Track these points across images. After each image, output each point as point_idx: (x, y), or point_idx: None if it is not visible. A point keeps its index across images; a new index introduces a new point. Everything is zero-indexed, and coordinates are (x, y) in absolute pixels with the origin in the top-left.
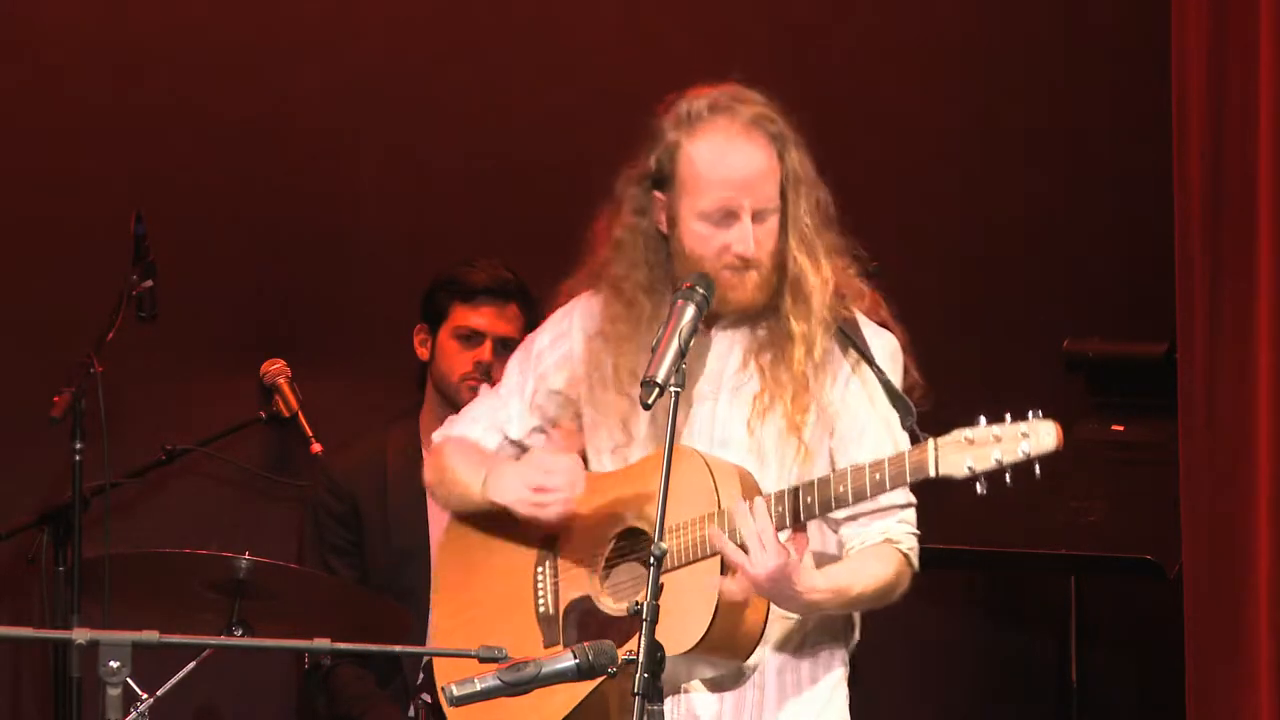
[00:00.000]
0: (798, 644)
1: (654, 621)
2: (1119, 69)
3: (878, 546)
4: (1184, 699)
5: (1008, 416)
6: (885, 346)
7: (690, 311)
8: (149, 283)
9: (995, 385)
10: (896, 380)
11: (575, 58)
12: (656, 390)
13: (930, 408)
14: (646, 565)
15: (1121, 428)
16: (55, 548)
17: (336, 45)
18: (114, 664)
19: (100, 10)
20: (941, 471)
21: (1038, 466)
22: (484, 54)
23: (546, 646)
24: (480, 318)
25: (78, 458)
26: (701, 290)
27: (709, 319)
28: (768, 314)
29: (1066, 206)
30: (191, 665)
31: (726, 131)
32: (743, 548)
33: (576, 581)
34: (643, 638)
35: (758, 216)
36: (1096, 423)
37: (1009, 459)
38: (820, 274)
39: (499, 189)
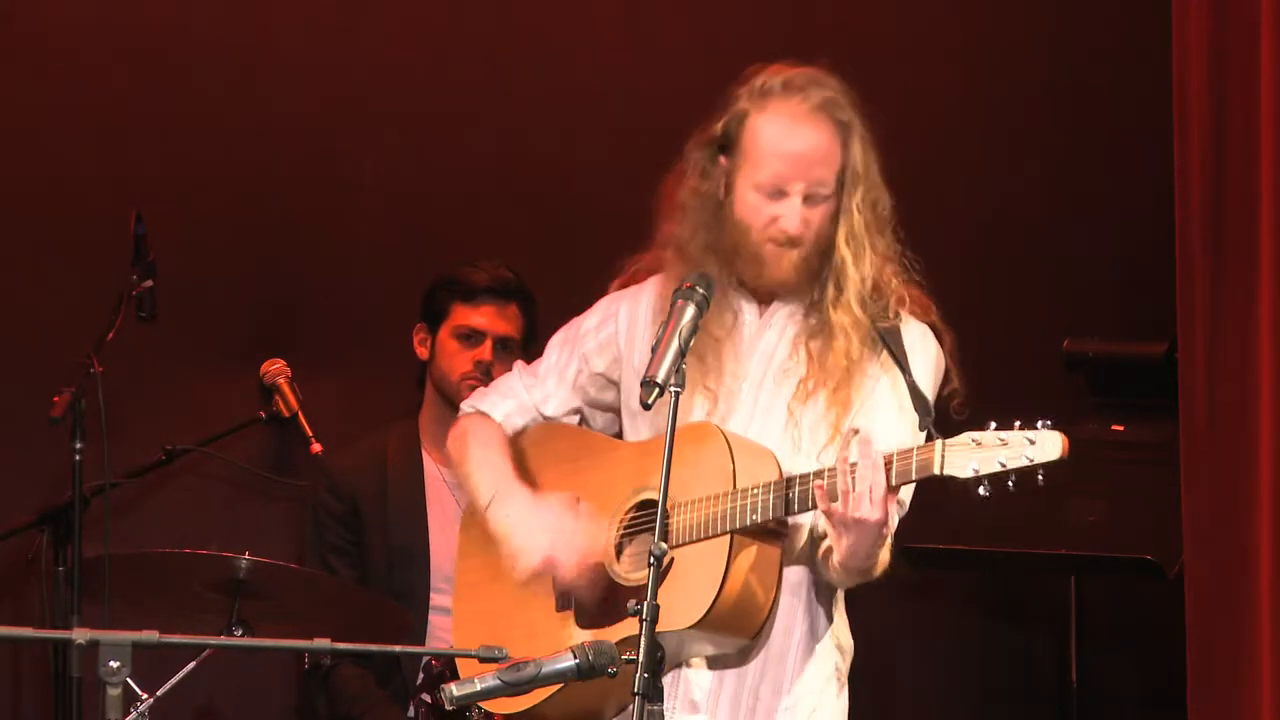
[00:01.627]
0: (795, 634)
1: (654, 621)
2: (1119, 69)
3: None
4: (1184, 699)
5: (1017, 424)
6: (924, 345)
7: (690, 311)
8: (149, 283)
9: (995, 385)
10: (932, 381)
11: (575, 58)
12: (656, 390)
13: (965, 416)
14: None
15: (1121, 428)
16: (55, 548)
17: (337, 45)
18: (114, 664)
19: (101, 11)
20: (946, 471)
21: (1041, 475)
22: (484, 54)
23: (559, 610)
24: (481, 317)
25: (78, 458)
26: (702, 290)
27: (761, 299)
28: (818, 302)
29: (1067, 206)
30: (191, 665)
31: (794, 111)
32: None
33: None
34: (643, 638)
35: (809, 199)
36: (1096, 423)
37: (1013, 464)
38: (860, 270)
39: (499, 189)
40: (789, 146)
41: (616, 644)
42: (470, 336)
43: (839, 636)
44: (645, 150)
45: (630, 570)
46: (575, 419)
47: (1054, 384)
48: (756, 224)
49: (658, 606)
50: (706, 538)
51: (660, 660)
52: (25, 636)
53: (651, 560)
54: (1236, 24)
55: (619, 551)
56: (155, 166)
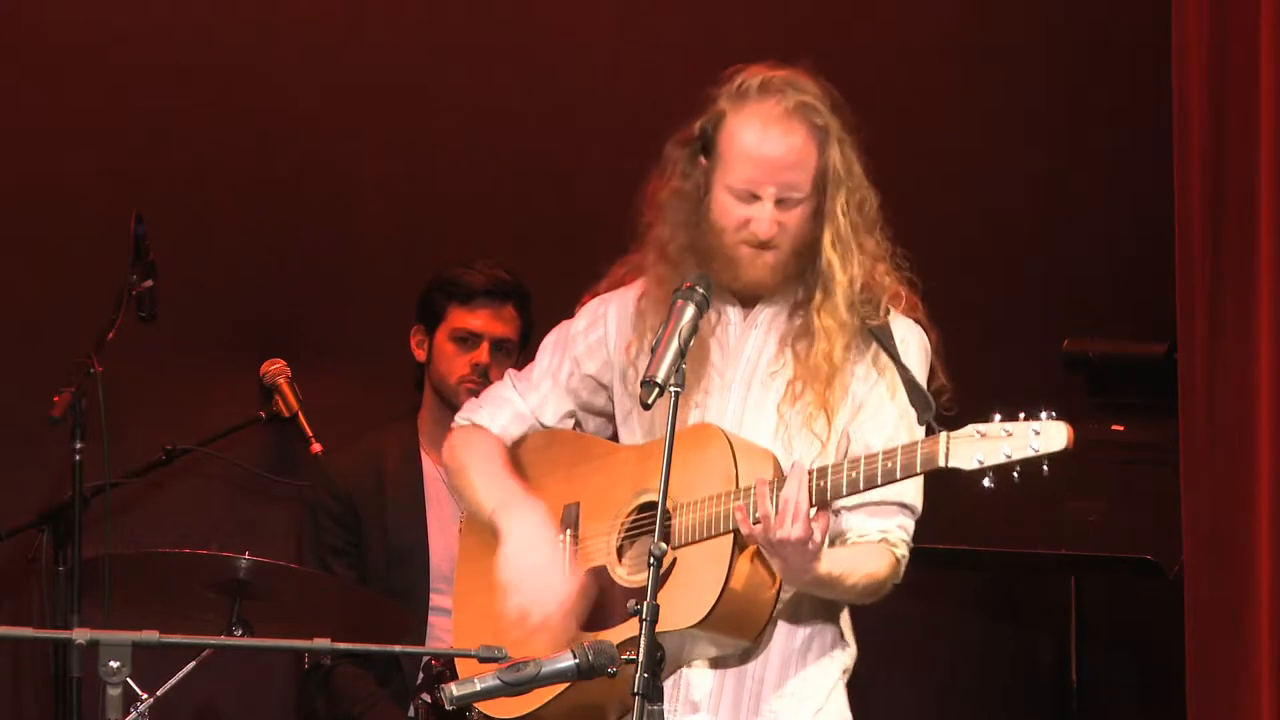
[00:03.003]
0: (799, 636)
1: (654, 621)
2: (1119, 69)
3: (876, 544)
4: (1184, 699)
5: (1021, 415)
6: (915, 340)
7: (690, 311)
8: (149, 283)
9: (995, 385)
10: (922, 376)
11: (574, 58)
12: (656, 390)
13: (955, 412)
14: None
15: (1121, 428)
16: (55, 548)
17: (336, 45)
18: (114, 664)
19: (100, 10)
20: (951, 463)
21: (1046, 465)
22: (484, 54)
23: None
24: (477, 320)
25: (78, 458)
26: (701, 290)
27: (745, 301)
28: (803, 304)
29: (1067, 206)
30: (191, 665)
31: (768, 114)
32: (776, 510)
33: (595, 550)
34: (643, 638)
35: (783, 202)
36: (1096, 423)
37: (1018, 454)
38: (848, 272)
39: (499, 189)
40: (761, 150)
41: (618, 645)
42: (467, 339)
43: (844, 638)
44: (645, 151)
45: (632, 573)
46: (571, 423)
47: (1054, 384)
48: (730, 225)
49: (657, 607)
50: (709, 537)
51: (660, 660)
52: (25, 636)
53: (651, 560)
54: (1236, 24)
55: (620, 554)
56: (155, 166)
